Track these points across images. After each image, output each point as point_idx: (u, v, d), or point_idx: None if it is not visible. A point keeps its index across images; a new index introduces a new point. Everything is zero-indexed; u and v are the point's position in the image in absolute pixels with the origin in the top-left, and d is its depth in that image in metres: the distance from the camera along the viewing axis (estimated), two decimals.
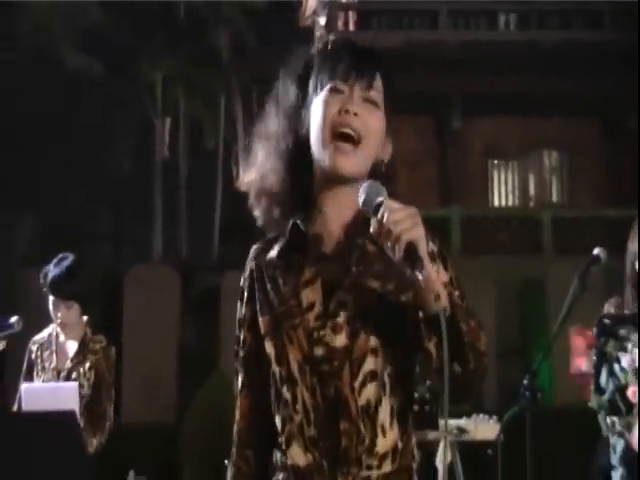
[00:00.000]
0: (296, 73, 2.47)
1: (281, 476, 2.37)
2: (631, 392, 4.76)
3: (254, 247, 2.49)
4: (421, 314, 2.21)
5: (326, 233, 2.40)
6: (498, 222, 24.97)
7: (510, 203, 27.31)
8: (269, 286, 2.39)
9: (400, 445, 2.34)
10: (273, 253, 2.42)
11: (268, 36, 24.34)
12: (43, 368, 5.47)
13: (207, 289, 20.23)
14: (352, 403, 2.31)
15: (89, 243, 23.60)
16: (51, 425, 4.59)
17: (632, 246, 4.95)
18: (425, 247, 2.15)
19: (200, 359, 19.70)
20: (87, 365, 5.43)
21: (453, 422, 5.40)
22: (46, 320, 5.55)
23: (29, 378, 5.46)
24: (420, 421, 5.33)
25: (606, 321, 4.97)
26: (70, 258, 5.53)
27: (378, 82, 2.41)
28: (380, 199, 2.20)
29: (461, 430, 5.33)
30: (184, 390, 18.48)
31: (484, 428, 5.32)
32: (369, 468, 2.30)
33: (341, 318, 2.33)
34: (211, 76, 25.71)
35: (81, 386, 5.31)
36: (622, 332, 4.86)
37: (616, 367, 4.83)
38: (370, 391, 2.32)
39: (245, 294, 2.49)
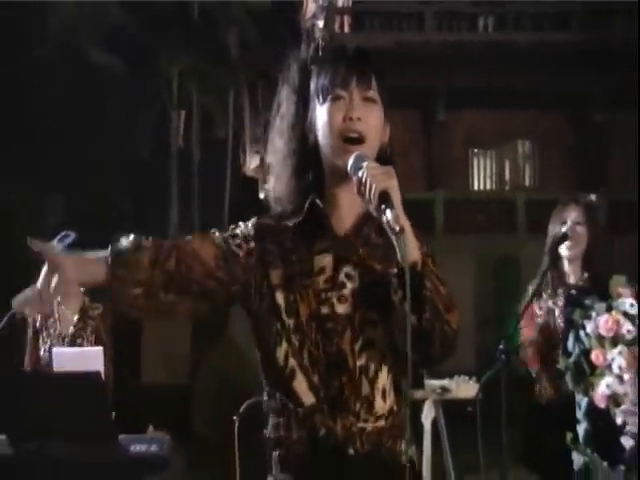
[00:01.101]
0: (295, 82, 2.46)
1: (277, 452, 2.38)
2: (594, 355, 4.77)
3: (257, 218, 2.47)
4: (394, 270, 2.23)
5: (339, 219, 2.40)
6: (477, 204, 25.00)
7: (488, 187, 27.34)
8: (283, 247, 2.38)
9: (395, 409, 2.36)
10: (288, 222, 2.41)
11: (272, 36, 24.27)
12: (48, 335, 5.47)
13: None
14: (351, 361, 2.32)
15: (111, 224, 23.56)
16: (79, 384, 4.60)
17: (551, 229, 5.06)
18: (399, 198, 2.19)
19: (210, 327, 19.71)
20: (89, 330, 5.42)
21: (437, 382, 5.41)
22: None
23: (34, 345, 5.45)
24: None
25: (573, 292, 4.99)
26: (71, 236, 5.52)
27: (373, 80, 2.40)
28: (363, 164, 2.24)
29: (444, 389, 5.34)
30: (196, 355, 18.51)
31: (464, 388, 5.32)
32: (365, 421, 2.31)
33: (347, 290, 2.34)
34: (221, 72, 25.71)
35: None
36: (587, 302, 4.86)
37: (581, 333, 4.83)
38: (369, 355, 2.33)
39: (244, 242, 2.42)
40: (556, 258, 4.61)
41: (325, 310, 2.34)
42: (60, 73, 21.48)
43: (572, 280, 4.96)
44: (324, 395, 2.32)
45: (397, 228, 2.15)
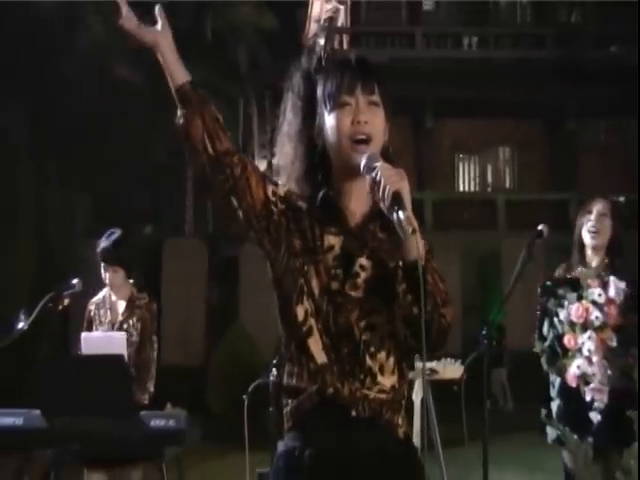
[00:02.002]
0: (300, 90, 2.45)
1: (289, 403, 2.36)
2: (567, 339, 4.77)
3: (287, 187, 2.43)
4: (400, 262, 2.24)
5: (348, 211, 2.39)
6: (462, 204, 24.97)
7: (472, 189, 27.31)
8: (300, 223, 2.37)
9: (397, 386, 2.36)
10: (303, 205, 2.40)
11: (277, 52, 24.28)
12: (100, 322, 5.48)
13: (228, 257, 20.23)
14: (357, 334, 2.31)
15: (135, 221, 23.60)
16: (104, 365, 4.61)
17: (579, 220, 4.97)
18: (409, 199, 2.18)
19: (223, 314, 19.73)
20: (135, 318, 5.43)
21: (427, 364, 5.41)
22: (99, 283, 5.55)
23: (89, 330, 5.46)
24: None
25: (548, 283, 4.98)
26: (117, 232, 5.53)
27: (375, 86, 2.40)
28: (376, 164, 2.23)
29: (433, 371, 5.33)
30: (210, 339, 18.52)
31: (451, 369, 5.31)
32: (369, 389, 2.31)
33: (360, 279, 2.34)
34: (232, 85, 25.69)
35: (131, 335, 5.32)
36: (560, 292, 4.87)
37: (555, 320, 4.84)
38: (373, 334, 2.32)
39: (280, 202, 2.38)
40: (531, 252, 4.57)
41: (335, 286, 2.33)
42: (88, 86, 21.49)
43: (594, 264, 4.90)
44: (335, 358, 2.31)
45: (410, 229, 2.14)
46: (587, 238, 4.90)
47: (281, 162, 2.47)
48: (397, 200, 2.15)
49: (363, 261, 2.35)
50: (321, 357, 2.31)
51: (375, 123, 2.36)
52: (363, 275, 2.34)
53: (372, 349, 2.32)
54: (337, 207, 2.39)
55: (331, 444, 2.29)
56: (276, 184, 2.40)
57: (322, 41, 27.19)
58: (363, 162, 2.27)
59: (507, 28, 27.04)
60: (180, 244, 22.05)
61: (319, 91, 2.41)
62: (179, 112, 2.39)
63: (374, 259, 2.35)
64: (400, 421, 2.37)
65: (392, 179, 2.18)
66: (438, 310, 2.26)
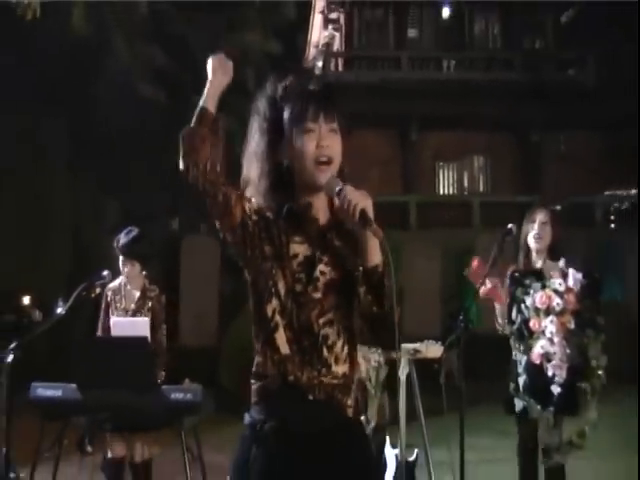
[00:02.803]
0: (265, 114, 2.46)
1: (256, 384, 2.42)
2: (532, 323, 4.78)
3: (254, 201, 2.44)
4: (361, 267, 2.28)
5: (310, 222, 2.40)
6: (442, 206, 24.91)
7: (451, 192, 27.27)
8: (269, 231, 2.38)
9: (348, 372, 2.37)
10: (271, 216, 2.40)
11: (281, 72, 24.24)
12: (115, 308, 5.47)
13: None
14: (316, 329, 2.34)
15: (157, 221, 23.60)
16: (130, 346, 4.61)
17: (524, 228, 5.01)
18: (372, 213, 2.22)
19: (233, 302, 19.69)
20: (146, 308, 5.43)
21: (411, 345, 5.37)
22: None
23: (106, 315, 5.46)
24: (388, 344, 5.36)
25: (516, 274, 4.99)
26: (135, 230, 5.53)
27: (336, 117, 2.41)
28: (339, 187, 2.29)
29: (416, 351, 5.32)
30: (222, 324, 18.50)
31: (432, 349, 5.30)
32: (324, 376, 2.33)
33: (320, 282, 2.35)
34: (240, 100, 25.58)
35: None
36: (526, 282, 4.88)
37: (522, 306, 4.86)
38: (329, 330, 2.34)
39: (253, 214, 2.40)
40: (502, 247, 4.59)
41: (298, 288, 2.34)
42: (116, 104, 21.50)
43: (538, 265, 4.95)
44: (296, 350, 2.33)
45: (378, 239, 2.22)
46: (532, 243, 4.99)
47: (250, 177, 2.46)
48: (364, 217, 2.21)
49: (322, 267, 2.36)
50: (285, 349, 2.33)
51: (335, 147, 2.38)
52: (322, 279, 2.35)
53: (329, 342, 2.34)
54: (301, 218, 2.40)
55: (290, 419, 2.32)
56: (250, 200, 2.42)
57: (320, 64, 27.19)
58: (326, 182, 2.32)
59: (480, 53, 27.11)
60: (196, 241, 21.97)
61: (285, 116, 2.41)
62: (192, 125, 2.43)
63: (332, 264, 2.36)
64: (349, 402, 2.38)
65: (358, 199, 2.22)
66: (392, 309, 2.29)
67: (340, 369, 2.35)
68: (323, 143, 2.35)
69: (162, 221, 25.36)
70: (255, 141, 2.47)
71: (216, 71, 2.47)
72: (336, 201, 2.32)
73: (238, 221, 2.35)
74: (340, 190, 2.28)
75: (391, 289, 2.27)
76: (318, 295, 2.35)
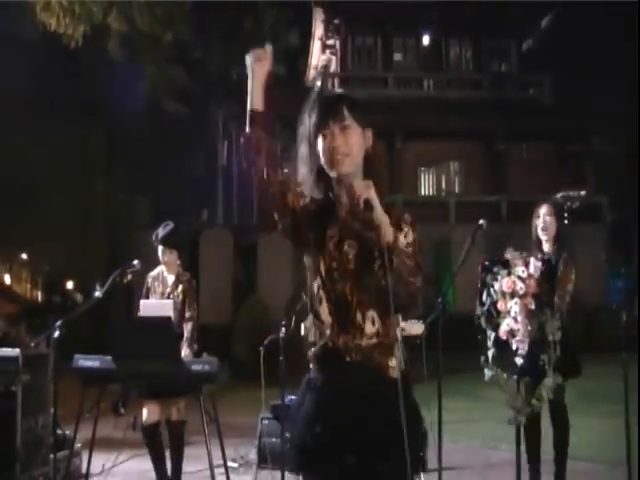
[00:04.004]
0: (305, 125, 2.43)
1: (310, 350, 2.38)
2: (499, 305, 4.76)
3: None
4: (377, 246, 2.22)
5: (340, 208, 2.38)
6: (423, 204, 24.96)
7: (430, 193, 27.25)
8: (313, 224, 2.38)
9: (382, 332, 2.33)
10: (313, 208, 2.39)
11: (285, 91, 24.23)
12: (154, 291, 5.45)
13: (249, 244, 20.21)
14: (349, 298, 2.31)
15: (179, 216, 23.60)
16: (156, 324, 4.59)
17: (533, 222, 5.02)
18: (377, 202, 2.17)
19: (245, 287, 19.73)
20: (179, 290, 5.41)
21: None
22: (154, 263, 5.52)
23: (146, 298, 5.43)
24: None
25: (486, 263, 4.97)
26: (171, 224, 5.51)
27: (345, 112, 2.36)
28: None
29: (402, 329, 5.31)
30: (235, 305, 18.51)
31: (415, 327, 5.29)
32: (359, 339, 2.30)
33: (350, 255, 2.33)
34: None
35: (175, 302, 5.30)
36: (495, 269, 4.85)
37: (491, 290, 4.83)
38: (361, 297, 2.31)
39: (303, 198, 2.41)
40: (474, 239, 4.55)
41: (334, 265, 2.33)
42: (145, 116, 21.48)
43: (548, 251, 4.95)
44: (335, 318, 2.31)
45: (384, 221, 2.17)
46: (541, 235, 4.96)
47: (301, 177, 2.45)
48: (367, 205, 2.15)
49: (351, 242, 2.33)
50: (327, 319, 2.32)
51: (348, 141, 2.34)
52: (351, 253, 2.32)
53: (361, 308, 2.31)
54: (332, 207, 2.38)
55: (333, 378, 2.30)
56: (302, 195, 2.40)
57: (318, 83, 27.18)
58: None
59: (455, 74, 27.19)
60: (213, 233, 21.97)
61: (310, 128, 2.40)
62: (246, 131, 2.36)
63: (357, 241, 2.32)
64: (391, 363, 2.33)
65: (361, 190, 2.16)
66: (403, 281, 2.22)
67: (371, 330, 2.30)
68: (334, 144, 2.33)
69: (186, 217, 25.39)
70: (300, 147, 2.45)
71: (254, 64, 2.40)
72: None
73: (287, 210, 2.36)
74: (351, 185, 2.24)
75: (401, 265, 2.21)
76: (350, 267, 2.32)
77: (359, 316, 2.30)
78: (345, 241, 2.34)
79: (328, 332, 2.31)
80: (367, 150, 2.40)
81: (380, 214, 2.17)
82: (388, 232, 2.18)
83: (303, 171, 2.44)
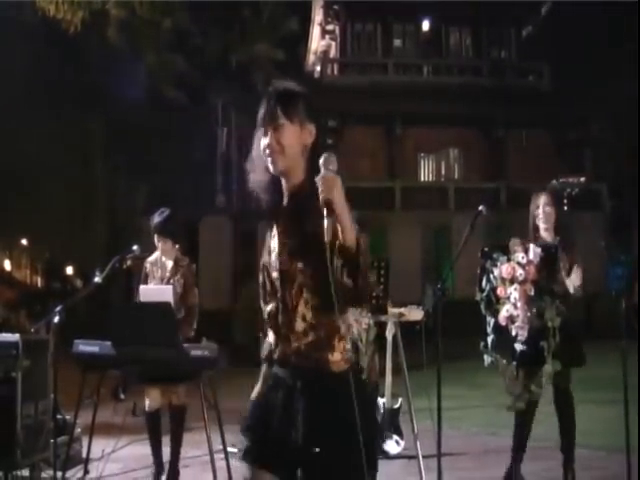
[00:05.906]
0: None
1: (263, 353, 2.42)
2: (499, 290, 4.74)
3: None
4: (337, 245, 2.06)
5: (282, 209, 2.35)
6: (423, 190, 24.94)
7: (430, 179, 27.24)
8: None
9: (316, 326, 2.25)
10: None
11: (286, 76, 24.14)
12: (153, 277, 5.42)
13: (249, 230, 20.21)
14: (290, 305, 2.28)
15: (179, 202, 23.61)
16: (156, 310, 4.57)
17: (532, 211, 4.95)
18: (339, 202, 2.02)
19: (244, 272, 19.73)
20: (179, 275, 5.37)
21: (396, 309, 5.33)
22: (153, 249, 5.49)
23: (145, 283, 5.40)
24: (375, 309, 5.29)
25: (486, 249, 4.95)
26: (167, 211, 5.45)
27: (279, 112, 2.29)
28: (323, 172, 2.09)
29: (401, 314, 5.28)
30: (235, 291, 18.54)
31: (415, 313, 5.26)
32: (295, 340, 2.26)
33: (285, 250, 2.29)
34: (252, 102, 25.54)
35: (175, 287, 5.27)
36: (494, 255, 4.83)
37: (491, 276, 4.81)
38: (302, 298, 2.26)
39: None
40: (473, 225, 4.52)
41: (274, 274, 2.32)
42: (146, 104, 21.44)
43: (548, 240, 4.90)
44: (276, 328, 2.32)
45: (340, 226, 2.03)
46: (540, 223, 4.91)
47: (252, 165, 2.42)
48: (327, 204, 2.01)
49: (291, 240, 2.28)
50: (271, 331, 2.37)
51: (281, 140, 2.27)
52: (290, 253, 2.27)
53: (299, 311, 2.25)
54: (277, 209, 2.36)
55: (282, 381, 2.30)
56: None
57: (318, 69, 27.09)
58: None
59: (454, 61, 27.13)
60: (212, 220, 22.01)
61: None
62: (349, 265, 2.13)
63: (296, 238, 2.26)
64: (331, 358, 2.24)
65: (323, 189, 2.03)
66: (366, 280, 2.12)
67: (301, 326, 2.24)
68: (267, 142, 2.29)
69: (186, 202, 25.40)
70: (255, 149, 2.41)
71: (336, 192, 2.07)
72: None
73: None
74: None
75: (365, 268, 2.11)
76: (285, 261, 2.27)
77: (297, 319, 2.25)
78: (286, 238, 2.29)
79: (271, 342, 2.35)
80: (308, 145, 2.32)
81: (345, 214, 2.03)
82: (351, 231, 2.05)
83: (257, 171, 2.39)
